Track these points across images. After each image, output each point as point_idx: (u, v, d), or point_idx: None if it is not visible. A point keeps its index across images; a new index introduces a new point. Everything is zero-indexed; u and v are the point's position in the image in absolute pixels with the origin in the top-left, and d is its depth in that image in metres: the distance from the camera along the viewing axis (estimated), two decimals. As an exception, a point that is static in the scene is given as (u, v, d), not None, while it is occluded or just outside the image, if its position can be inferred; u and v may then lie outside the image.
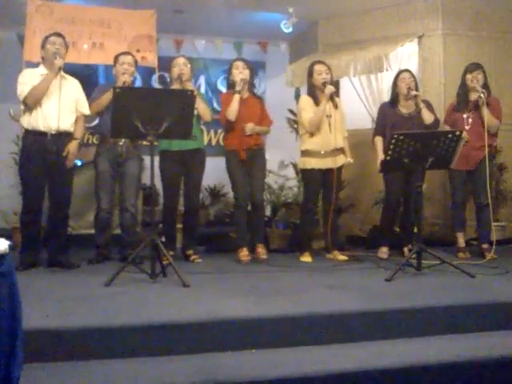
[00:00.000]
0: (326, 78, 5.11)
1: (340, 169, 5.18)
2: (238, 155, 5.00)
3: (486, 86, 5.24)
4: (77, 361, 2.72)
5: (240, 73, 5.02)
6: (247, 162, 5.03)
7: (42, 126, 4.46)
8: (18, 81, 4.52)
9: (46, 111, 4.46)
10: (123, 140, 4.83)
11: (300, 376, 2.63)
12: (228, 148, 5.11)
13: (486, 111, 5.07)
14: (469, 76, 5.28)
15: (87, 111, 4.77)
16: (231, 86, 5.12)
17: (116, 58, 4.94)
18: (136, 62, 5.03)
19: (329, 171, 5.10)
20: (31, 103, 4.44)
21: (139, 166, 4.99)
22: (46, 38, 4.62)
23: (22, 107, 4.55)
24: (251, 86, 5.19)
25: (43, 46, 4.59)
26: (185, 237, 5.25)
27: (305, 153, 5.17)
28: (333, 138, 5.05)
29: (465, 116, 5.27)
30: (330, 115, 5.05)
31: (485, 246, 5.23)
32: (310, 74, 5.21)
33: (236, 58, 5.37)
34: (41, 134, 4.47)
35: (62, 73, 4.61)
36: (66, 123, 4.54)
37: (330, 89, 5.01)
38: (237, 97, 4.95)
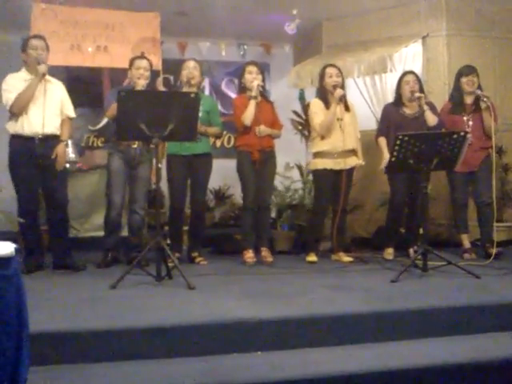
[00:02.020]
0: (336, 80, 5.10)
1: (351, 170, 5.17)
2: (251, 156, 5.01)
3: (479, 88, 5.24)
4: (82, 363, 2.73)
5: (255, 78, 5.04)
6: (259, 164, 5.03)
7: (27, 132, 4.46)
8: (2, 88, 4.49)
9: (31, 116, 4.46)
10: (137, 143, 4.83)
11: (306, 378, 2.62)
12: (241, 149, 5.11)
13: (490, 115, 5.06)
14: (464, 79, 5.29)
15: (72, 114, 4.75)
16: (243, 89, 5.14)
17: (131, 62, 4.90)
18: (151, 65, 4.99)
19: (339, 172, 5.09)
20: (17, 111, 4.44)
21: (150, 170, 4.97)
22: (27, 40, 4.60)
23: (9, 113, 4.53)
24: (263, 89, 5.19)
25: (24, 50, 4.56)
26: (190, 239, 5.26)
27: (317, 155, 5.17)
28: (343, 141, 5.04)
29: (465, 119, 5.26)
30: (340, 118, 5.05)
31: (488, 245, 5.23)
32: (322, 77, 5.20)
33: (249, 62, 5.34)
34: (27, 139, 4.47)
35: (47, 76, 4.58)
36: (52, 127, 4.54)
37: (339, 92, 5.00)
38: (253, 102, 4.96)
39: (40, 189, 4.63)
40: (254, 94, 4.99)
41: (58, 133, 4.60)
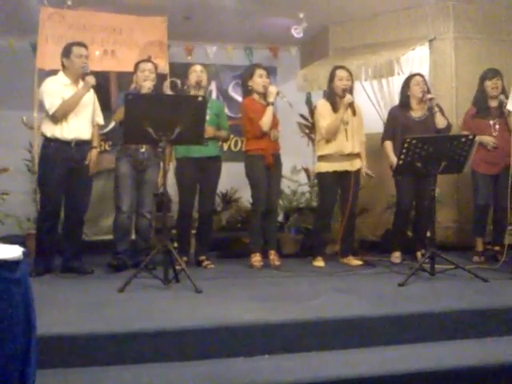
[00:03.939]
0: (346, 84, 5.08)
1: (357, 173, 5.15)
2: (264, 160, 5.01)
3: (504, 91, 5.20)
4: (89, 367, 2.73)
5: (266, 82, 5.05)
6: (269, 168, 5.04)
7: (67, 136, 4.54)
8: (44, 91, 4.56)
9: (70, 122, 4.54)
10: (144, 147, 4.84)
11: (313, 381, 2.62)
12: (253, 153, 5.08)
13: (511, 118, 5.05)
14: (488, 83, 5.23)
15: (102, 121, 4.88)
16: (250, 92, 5.13)
17: (136, 66, 4.95)
18: (156, 68, 5.03)
19: (346, 175, 5.08)
20: (61, 117, 4.52)
21: (158, 173, 4.96)
22: (70, 46, 4.64)
23: (44, 116, 4.60)
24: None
25: (67, 55, 4.61)
26: (198, 242, 5.25)
27: (321, 158, 5.17)
28: (349, 145, 5.05)
29: (491, 123, 5.22)
30: (346, 122, 5.04)
31: (497, 248, 5.22)
32: (332, 78, 5.17)
33: (257, 65, 5.32)
34: (64, 143, 4.54)
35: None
36: (88, 133, 4.66)
37: (348, 98, 4.99)
38: (271, 108, 4.97)
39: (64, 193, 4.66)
40: (271, 100, 4.99)
41: (90, 138, 4.70)
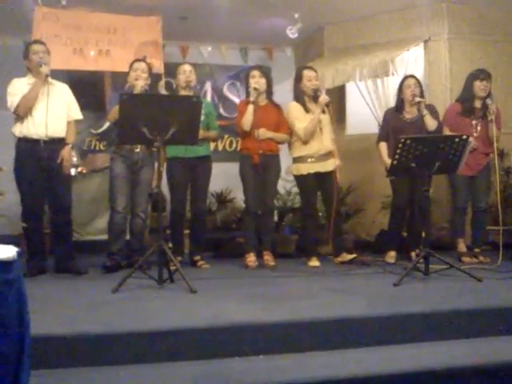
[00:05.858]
0: (316, 84, 5.11)
1: (334, 172, 5.16)
2: (252, 160, 5.00)
3: (489, 95, 5.22)
4: (84, 367, 2.72)
5: (255, 82, 5.03)
6: (261, 168, 5.03)
7: (33, 134, 4.50)
8: (8, 91, 4.54)
9: (35, 119, 4.49)
10: (139, 147, 4.83)
11: (308, 381, 2.61)
12: (243, 153, 5.13)
13: (494, 124, 5.08)
14: (478, 83, 5.23)
15: (79, 115, 4.81)
16: (249, 94, 5.13)
17: (130, 66, 4.95)
18: (150, 68, 5.03)
19: (325, 174, 5.09)
20: (22, 113, 4.48)
21: (152, 173, 4.96)
22: (28, 47, 4.65)
23: (14, 116, 4.57)
24: (269, 93, 5.18)
25: (26, 56, 4.61)
26: (192, 242, 5.26)
27: (298, 159, 5.17)
28: (325, 143, 5.07)
29: (474, 122, 5.24)
30: (320, 120, 5.06)
31: (477, 250, 5.29)
32: (299, 79, 5.20)
33: (253, 66, 5.37)
34: (33, 142, 4.51)
35: (50, 79, 4.62)
36: (57, 129, 4.57)
37: (324, 98, 5.01)
38: (251, 107, 4.96)
39: (44, 192, 4.63)
40: (251, 98, 4.99)
41: (63, 135, 4.63)
